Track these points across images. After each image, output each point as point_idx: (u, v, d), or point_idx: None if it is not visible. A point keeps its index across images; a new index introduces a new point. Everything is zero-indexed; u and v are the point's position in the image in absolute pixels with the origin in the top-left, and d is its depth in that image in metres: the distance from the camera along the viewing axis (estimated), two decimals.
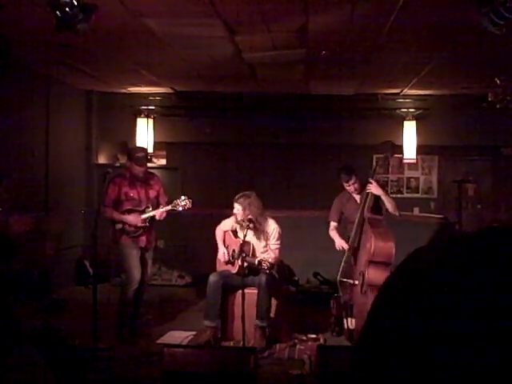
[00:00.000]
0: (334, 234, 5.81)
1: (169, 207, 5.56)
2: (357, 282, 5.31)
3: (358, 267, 5.39)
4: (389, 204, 5.50)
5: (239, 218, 5.50)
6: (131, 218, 5.47)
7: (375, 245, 5.18)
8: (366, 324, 0.85)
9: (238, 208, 5.51)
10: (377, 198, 5.52)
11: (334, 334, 5.63)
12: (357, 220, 5.43)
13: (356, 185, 5.61)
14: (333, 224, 5.86)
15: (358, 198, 5.80)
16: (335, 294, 5.67)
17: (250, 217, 5.39)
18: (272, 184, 8.12)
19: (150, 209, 5.53)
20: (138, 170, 5.54)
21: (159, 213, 5.53)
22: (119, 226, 5.49)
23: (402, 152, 8.06)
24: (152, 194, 5.65)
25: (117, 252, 5.64)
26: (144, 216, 5.49)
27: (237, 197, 5.54)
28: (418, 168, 8.54)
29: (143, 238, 5.56)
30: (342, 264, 5.50)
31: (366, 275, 5.20)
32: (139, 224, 5.48)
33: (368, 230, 5.33)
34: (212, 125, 8.44)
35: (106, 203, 5.44)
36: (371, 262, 5.21)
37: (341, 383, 3.40)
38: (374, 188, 5.42)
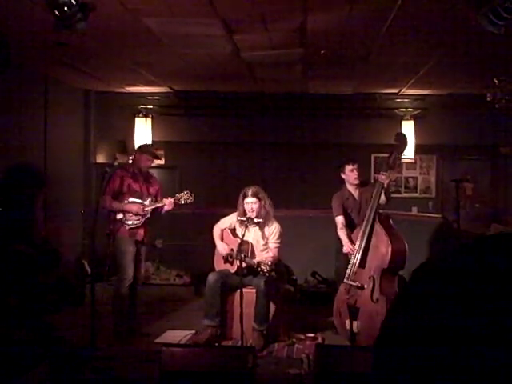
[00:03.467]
0: (342, 234, 5.60)
1: (172, 200, 5.58)
2: (366, 286, 5.15)
3: (368, 270, 5.20)
4: (384, 199, 5.48)
5: (255, 213, 5.42)
6: (134, 207, 5.47)
7: (393, 253, 5.05)
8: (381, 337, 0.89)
9: (253, 201, 5.42)
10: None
11: (334, 331, 5.59)
12: (367, 216, 5.29)
13: (357, 172, 5.71)
14: (340, 219, 5.68)
15: (356, 194, 5.81)
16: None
17: (251, 215, 5.39)
18: (271, 183, 8.11)
19: (154, 201, 5.58)
20: (145, 163, 5.61)
21: (168, 202, 5.54)
22: (120, 216, 5.47)
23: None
24: (152, 190, 5.69)
25: (113, 246, 5.61)
26: (148, 206, 5.52)
27: (250, 191, 5.46)
28: (417, 167, 8.54)
29: (141, 232, 5.55)
30: (349, 267, 5.32)
31: (379, 283, 5.05)
32: (141, 212, 5.47)
33: (381, 232, 5.19)
34: (210, 124, 8.44)
35: (106, 192, 5.44)
36: (385, 270, 5.07)
37: (339, 382, 3.40)
38: (385, 178, 5.39)
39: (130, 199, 5.50)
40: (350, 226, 5.71)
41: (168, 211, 5.68)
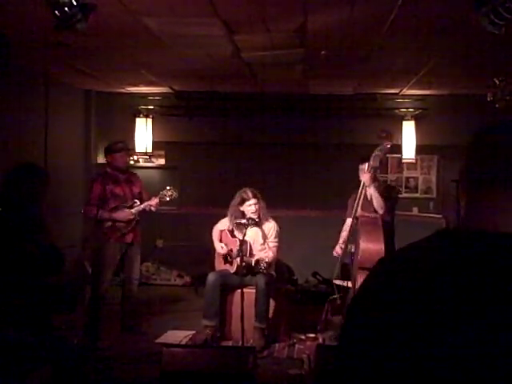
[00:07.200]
0: (342, 235, 5.64)
1: (157, 199, 5.58)
2: (350, 285, 5.19)
3: (354, 270, 5.21)
4: (375, 200, 5.27)
5: (255, 214, 5.45)
6: (122, 214, 5.46)
7: (362, 250, 4.91)
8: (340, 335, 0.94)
9: (255, 202, 5.47)
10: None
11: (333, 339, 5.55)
12: (351, 219, 5.33)
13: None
14: (348, 221, 5.61)
15: (368, 195, 5.65)
16: (331, 297, 5.61)
17: (253, 216, 5.41)
18: (271, 183, 8.11)
19: (138, 203, 5.55)
20: (119, 160, 5.57)
21: (154, 203, 5.54)
22: (109, 223, 5.47)
23: (400, 152, 8.07)
24: (135, 189, 5.68)
25: (98, 248, 5.57)
26: (134, 210, 5.50)
27: (250, 193, 5.50)
28: (417, 168, 8.54)
29: (130, 235, 5.57)
30: (337, 265, 5.43)
31: (357, 282, 4.97)
32: (130, 217, 5.48)
33: (359, 230, 5.11)
34: (211, 124, 8.44)
35: (92, 202, 5.45)
36: (360, 269, 4.88)
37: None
38: (365, 176, 5.21)
39: (115, 204, 5.50)
40: None
41: (156, 209, 5.69)
